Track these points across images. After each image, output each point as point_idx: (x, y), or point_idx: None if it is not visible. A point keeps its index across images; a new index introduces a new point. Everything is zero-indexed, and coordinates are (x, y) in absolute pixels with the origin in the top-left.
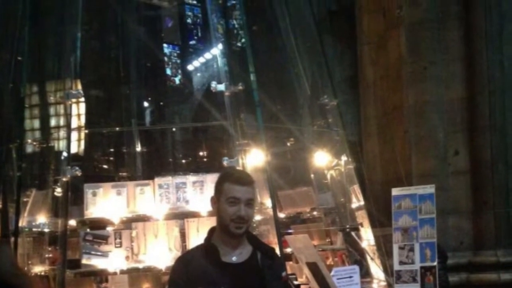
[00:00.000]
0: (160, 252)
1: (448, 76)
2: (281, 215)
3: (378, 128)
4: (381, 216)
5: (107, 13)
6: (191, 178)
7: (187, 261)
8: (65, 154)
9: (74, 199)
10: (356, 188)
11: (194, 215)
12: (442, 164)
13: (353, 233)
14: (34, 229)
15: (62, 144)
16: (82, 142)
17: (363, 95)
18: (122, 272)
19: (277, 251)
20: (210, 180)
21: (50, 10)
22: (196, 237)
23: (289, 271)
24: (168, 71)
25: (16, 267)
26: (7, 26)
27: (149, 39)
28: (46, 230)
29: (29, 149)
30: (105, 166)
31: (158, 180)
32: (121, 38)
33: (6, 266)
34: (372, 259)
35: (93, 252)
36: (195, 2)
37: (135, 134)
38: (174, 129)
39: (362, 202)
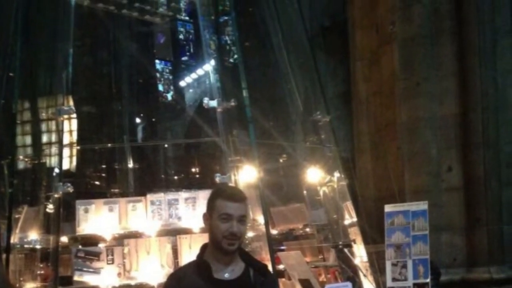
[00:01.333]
0: (152, 268)
1: (441, 92)
2: (274, 231)
3: (371, 144)
4: (374, 232)
5: (99, 29)
6: (183, 195)
7: (179, 278)
8: (57, 170)
9: (66, 215)
10: (349, 204)
11: (186, 231)
12: (435, 180)
13: (345, 250)
14: (25, 246)
15: (54, 161)
16: (74, 159)
17: (356, 111)
18: None
19: (270, 267)
20: (203, 197)
21: (42, 26)
22: (189, 253)
23: None
24: (160, 87)
25: (8, 284)
26: None
27: (141, 55)
28: (38, 246)
29: (20, 165)
30: (97, 183)
31: (150, 197)
32: (113, 54)
33: None
34: (365, 275)
35: (85, 269)
36: (187, 18)
37: (127, 150)
38: (166, 146)
39: (355, 219)
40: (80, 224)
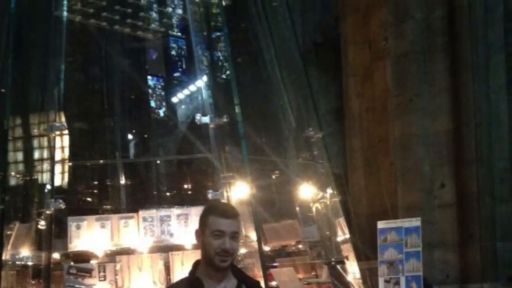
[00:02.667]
0: (144, 285)
1: (434, 108)
2: (266, 248)
3: (363, 161)
4: (366, 249)
5: (91, 45)
6: (175, 211)
7: None
8: (48, 187)
9: (58, 232)
10: (342, 221)
11: (178, 248)
12: (428, 196)
13: (338, 266)
14: (17, 262)
15: (45, 177)
16: (66, 175)
17: (348, 127)
18: None
19: (262, 284)
20: (195, 213)
21: (34, 42)
22: (181, 270)
23: None
24: (153, 103)
25: None
26: None
27: (133, 71)
28: (29, 263)
29: (12, 181)
30: (89, 199)
31: (142, 213)
32: (105, 70)
33: None
34: None
35: (77, 286)
36: (179, 34)
37: (119, 166)
38: (158, 162)
39: (347, 235)
40: (72, 240)
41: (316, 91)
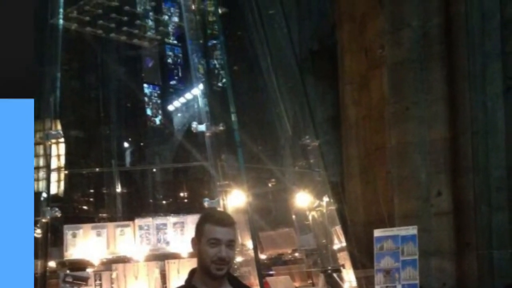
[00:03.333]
0: None
1: (430, 116)
2: (262, 256)
3: (360, 169)
4: (363, 257)
5: (87, 53)
6: (171, 219)
7: None
8: (44, 195)
9: (54, 240)
10: (338, 229)
11: (174, 256)
12: (425, 205)
13: (335, 275)
14: None
15: (41, 185)
16: (62, 183)
17: (345, 135)
18: None
19: None
20: (191, 221)
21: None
22: (177, 278)
23: None
24: (149, 112)
25: None
26: None
27: (129, 79)
28: None
29: None
30: (85, 207)
31: (138, 221)
32: (101, 78)
33: None
34: None
35: None
36: (175, 42)
37: (115, 175)
38: (154, 170)
39: (344, 243)
40: (68, 249)
41: (313, 99)
